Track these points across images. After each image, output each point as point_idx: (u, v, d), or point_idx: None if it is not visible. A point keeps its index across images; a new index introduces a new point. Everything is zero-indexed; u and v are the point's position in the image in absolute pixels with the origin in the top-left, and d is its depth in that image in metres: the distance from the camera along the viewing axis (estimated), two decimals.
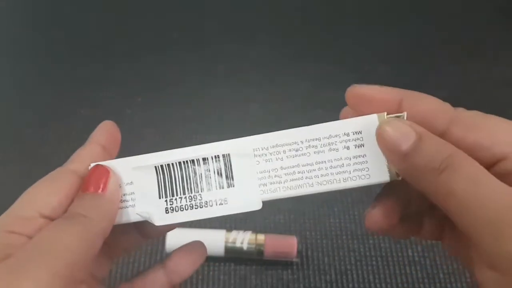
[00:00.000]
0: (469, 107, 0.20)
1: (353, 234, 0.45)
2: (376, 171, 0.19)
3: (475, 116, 0.19)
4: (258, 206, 0.19)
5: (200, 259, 0.23)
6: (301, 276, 0.43)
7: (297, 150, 0.20)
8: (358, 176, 0.19)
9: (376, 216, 0.22)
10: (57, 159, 0.51)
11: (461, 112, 0.20)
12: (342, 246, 0.45)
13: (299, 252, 0.42)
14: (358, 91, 0.21)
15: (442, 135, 0.19)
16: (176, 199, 0.19)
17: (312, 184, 0.20)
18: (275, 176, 0.19)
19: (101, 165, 0.20)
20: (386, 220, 0.21)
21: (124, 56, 0.61)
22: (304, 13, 0.66)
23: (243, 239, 0.42)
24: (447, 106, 0.20)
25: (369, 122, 0.19)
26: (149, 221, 0.19)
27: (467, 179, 0.16)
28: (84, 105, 0.55)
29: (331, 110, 0.60)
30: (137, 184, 0.19)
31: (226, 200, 0.19)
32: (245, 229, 0.43)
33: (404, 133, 0.18)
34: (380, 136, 0.18)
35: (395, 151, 0.18)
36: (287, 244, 0.42)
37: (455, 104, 0.21)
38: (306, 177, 0.20)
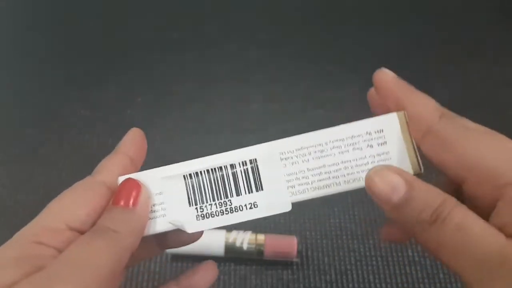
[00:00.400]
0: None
1: (353, 234, 0.45)
2: (399, 167, 0.20)
3: (454, 132, 0.19)
4: (288, 208, 0.20)
5: (212, 278, 0.24)
6: (301, 276, 0.43)
7: (322, 151, 0.20)
8: None
9: (391, 232, 0.22)
10: (58, 158, 0.51)
11: (444, 123, 0.20)
12: (342, 246, 0.45)
13: (299, 252, 0.42)
14: (382, 78, 0.22)
15: (420, 141, 0.19)
16: (206, 206, 0.20)
17: (339, 183, 0.20)
18: (303, 177, 0.20)
19: (133, 179, 0.20)
20: (402, 236, 0.21)
21: (124, 56, 0.61)
22: (304, 13, 0.66)
23: (243, 239, 0.42)
24: (434, 113, 0.20)
25: (389, 120, 0.20)
26: (181, 229, 0.19)
27: (455, 230, 0.16)
28: (84, 105, 0.55)
29: (331, 110, 0.60)
30: (167, 194, 0.20)
31: (256, 204, 0.20)
32: (245, 229, 0.43)
33: (393, 185, 0.18)
34: (369, 188, 0.18)
35: (385, 203, 0.18)
36: (287, 244, 0.42)
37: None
38: (333, 177, 0.20)
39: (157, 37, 0.63)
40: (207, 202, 0.20)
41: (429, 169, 0.22)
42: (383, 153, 0.20)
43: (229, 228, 0.43)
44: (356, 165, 0.20)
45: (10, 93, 0.57)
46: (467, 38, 0.63)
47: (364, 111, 0.59)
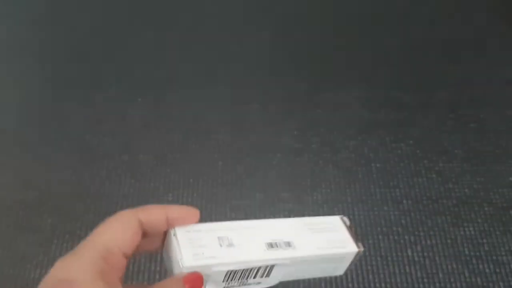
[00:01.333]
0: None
1: None
2: (347, 245, 0.29)
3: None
4: (275, 283, 0.29)
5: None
6: None
7: (305, 266, 0.29)
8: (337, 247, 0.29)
9: None
10: (58, 158, 0.51)
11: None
12: None
13: None
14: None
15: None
16: (231, 283, 0.28)
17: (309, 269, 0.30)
18: (293, 273, 0.29)
19: (201, 278, 0.26)
20: None
21: (124, 56, 0.61)
22: (304, 13, 0.66)
23: None
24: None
25: (336, 220, 0.31)
26: None
27: None
28: (85, 105, 0.55)
29: (330, 110, 0.60)
30: (211, 277, 0.27)
31: (260, 283, 0.29)
32: None
33: None
34: None
35: None
36: None
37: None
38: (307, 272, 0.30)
39: (157, 37, 0.63)
40: (233, 282, 0.28)
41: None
42: (339, 239, 0.30)
43: None
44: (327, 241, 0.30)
45: (10, 94, 0.57)
46: (467, 38, 0.63)
47: (363, 111, 0.59)
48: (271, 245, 0.28)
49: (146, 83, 0.58)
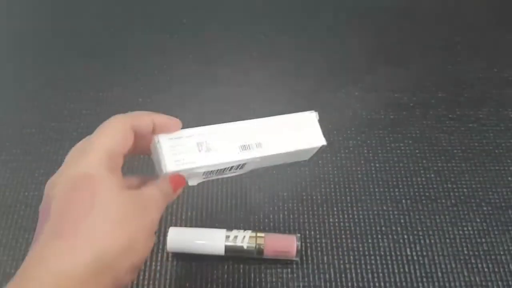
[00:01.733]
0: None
1: (352, 233, 0.46)
2: (312, 140, 0.34)
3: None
4: (247, 171, 0.34)
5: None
6: (301, 275, 0.43)
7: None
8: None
9: None
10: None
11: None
12: (341, 245, 0.45)
13: (298, 251, 0.43)
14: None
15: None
16: (210, 175, 0.32)
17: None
18: (264, 163, 0.33)
19: (184, 181, 0.31)
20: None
21: (125, 56, 0.61)
22: (304, 13, 0.66)
23: (244, 238, 0.42)
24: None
25: (309, 115, 0.35)
26: (190, 183, 0.32)
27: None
28: (86, 105, 0.55)
29: (330, 110, 0.60)
30: (193, 173, 0.31)
31: (234, 173, 0.33)
32: (245, 228, 0.44)
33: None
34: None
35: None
36: (286, 243, 0.43)
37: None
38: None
39: (158, 37, 0.63)
40: (212, 175, 0.32)
41: None
42: (306, 134, 0.34)
43: (229, 227, 0.43)
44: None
45: (11, 94, 0.58)
46: (467, 38, 0.63)
47: (363, 111, 0.59)
48: (244, 147, 0.32)
49: (147, 83, 0.58)
